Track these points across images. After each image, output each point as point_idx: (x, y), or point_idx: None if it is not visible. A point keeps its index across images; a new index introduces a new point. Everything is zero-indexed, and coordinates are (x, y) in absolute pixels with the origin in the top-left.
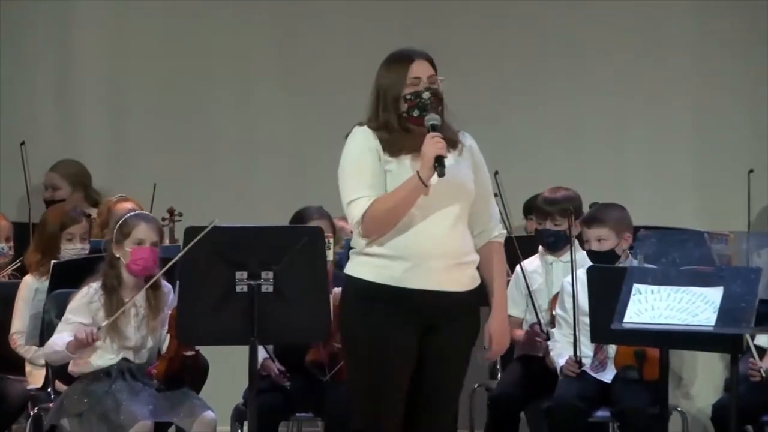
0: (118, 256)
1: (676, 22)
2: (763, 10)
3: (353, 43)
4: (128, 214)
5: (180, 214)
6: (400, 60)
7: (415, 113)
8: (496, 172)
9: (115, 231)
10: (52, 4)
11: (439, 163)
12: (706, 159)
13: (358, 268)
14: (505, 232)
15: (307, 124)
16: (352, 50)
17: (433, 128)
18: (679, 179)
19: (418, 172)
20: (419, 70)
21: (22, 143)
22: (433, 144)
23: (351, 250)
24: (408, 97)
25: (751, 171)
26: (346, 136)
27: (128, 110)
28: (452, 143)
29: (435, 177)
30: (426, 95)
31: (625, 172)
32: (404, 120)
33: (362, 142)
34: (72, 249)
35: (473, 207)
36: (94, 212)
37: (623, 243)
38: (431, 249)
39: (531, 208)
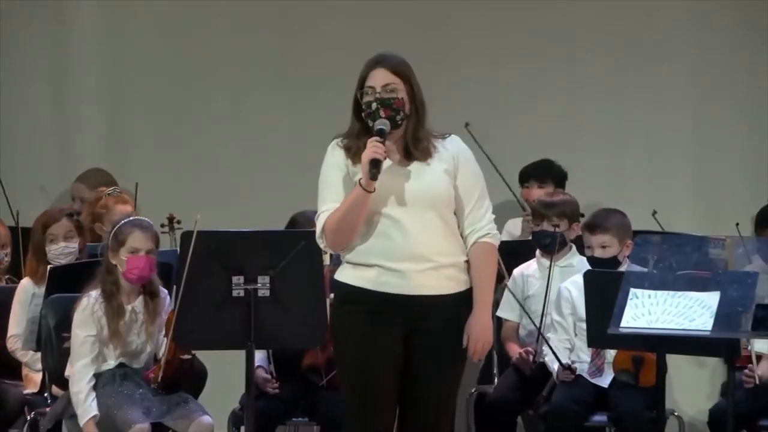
0: (114, 263)
1: (675, 23)
2: (763, 11)
3: (351, 46)
4: (122, 221)
5: (179, 222)
6: (364, 68)
7: (369, 122)
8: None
9: (110, 238)
10: (50, 5)
11: (373, 166)
12: (705, 161)
13: (342, 272)
14: (498, 234)
15: (305, 128)
16: (350, 54)
17: (379, 133)
18: (678, 182)
19: (360, 180)
20: (373, 79)
21: None
22: (369, 148)
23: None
24: (363, 106)
25: (654, 212)
26: None
27: (125, 115)
28: (426, 151)
29: (410, 181)
30: (374, 105)
31: (623, 175)
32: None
33: (328, 157)
34: (56, 249)
35: (457, 209)
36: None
37: (625, 249)
38: (400, 254)
39: (526, 175)
